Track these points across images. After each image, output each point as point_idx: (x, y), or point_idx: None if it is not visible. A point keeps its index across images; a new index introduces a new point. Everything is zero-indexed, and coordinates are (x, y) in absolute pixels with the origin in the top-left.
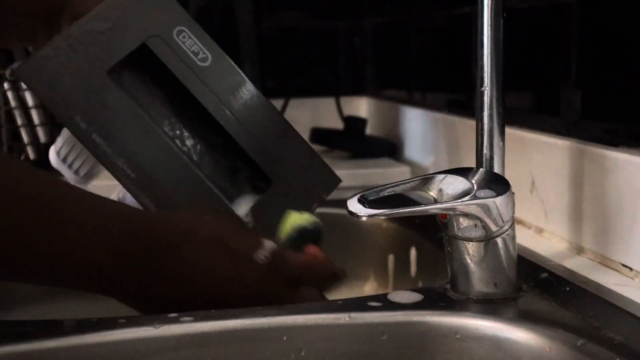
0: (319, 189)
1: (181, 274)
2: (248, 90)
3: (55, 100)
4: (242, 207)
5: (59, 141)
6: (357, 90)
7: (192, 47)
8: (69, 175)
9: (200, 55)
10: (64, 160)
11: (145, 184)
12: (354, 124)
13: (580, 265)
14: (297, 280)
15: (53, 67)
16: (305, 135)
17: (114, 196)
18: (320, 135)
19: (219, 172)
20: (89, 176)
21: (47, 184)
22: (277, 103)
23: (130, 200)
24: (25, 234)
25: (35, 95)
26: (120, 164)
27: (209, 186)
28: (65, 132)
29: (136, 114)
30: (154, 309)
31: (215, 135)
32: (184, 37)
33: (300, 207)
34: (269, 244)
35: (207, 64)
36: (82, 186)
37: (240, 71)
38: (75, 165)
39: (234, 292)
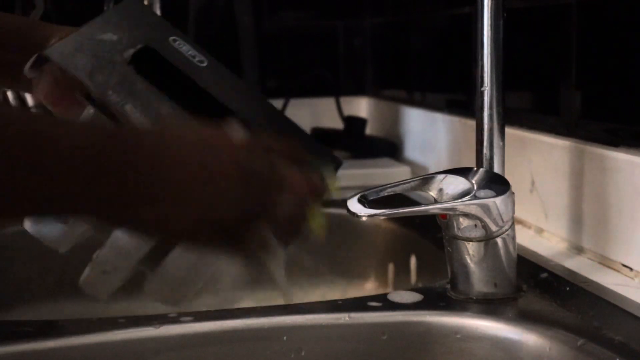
0: (327, 169)
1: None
2: (242, 85)
3: (84, 77)
4: None
5: None
6: (357, 90)
7: (189, 51)
8: None
9: (197, 58)
10: None
11: None
12: (354, 124)
13: (580, 265)
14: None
15: (79, 54)
16: None
17: None
18: (320, 135)
19: None
20: None
21: (21, 118)
22: (277, 103)
23: None
24: (8, 170)
25: (65, 71)
26: None
27: None
28: None
29: (159, 93)
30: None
31: None
32: (179, 44)
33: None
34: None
35: (204, 65)
36: None
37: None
38: None
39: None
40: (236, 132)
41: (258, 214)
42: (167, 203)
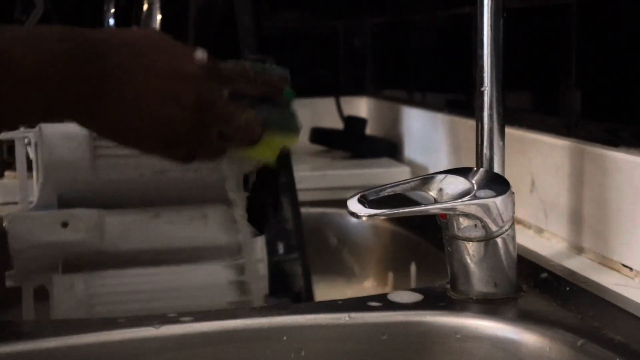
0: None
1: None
2: None
3: None
4: None
5: None
6: (357, 90)
7: None
8: None
9: None
10: None
11: None
12: (354, 124)
13: (580, 265)
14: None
15: None
16: (306, 135)
17: None
18: (320, 135)
19: None
20: None
21: None
22: None
23: None
24: None
25: None
26: None
27: None
28: None
29: None
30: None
31: None
32: None
33: None
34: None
35: None
36: None
37: None
38: None
39: (174, 79)
40: (201, 58)
41: (195, 136)
42: (124, 112)
